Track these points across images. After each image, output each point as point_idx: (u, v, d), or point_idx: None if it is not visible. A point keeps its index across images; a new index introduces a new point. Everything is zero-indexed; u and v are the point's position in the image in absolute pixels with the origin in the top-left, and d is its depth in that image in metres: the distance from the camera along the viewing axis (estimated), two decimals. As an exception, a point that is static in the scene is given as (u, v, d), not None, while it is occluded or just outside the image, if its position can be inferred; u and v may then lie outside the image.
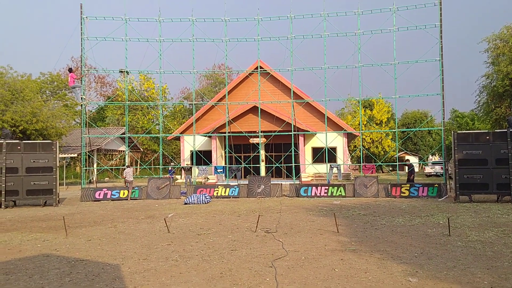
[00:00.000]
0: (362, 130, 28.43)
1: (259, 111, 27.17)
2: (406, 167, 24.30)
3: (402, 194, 20.42)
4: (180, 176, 35.04)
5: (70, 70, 23.03)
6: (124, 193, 21.92)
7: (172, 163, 31.98)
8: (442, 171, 35.75)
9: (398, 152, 51.92)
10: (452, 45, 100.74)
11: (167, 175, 29.21)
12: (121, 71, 25.87)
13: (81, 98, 23.34)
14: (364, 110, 53.97)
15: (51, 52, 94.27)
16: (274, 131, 27.84)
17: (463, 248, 8.68)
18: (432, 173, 40.91)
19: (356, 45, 23.53)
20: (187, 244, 9.63)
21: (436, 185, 20.45)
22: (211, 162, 32.12)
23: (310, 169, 32.90)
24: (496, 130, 18.73)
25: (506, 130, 17.69)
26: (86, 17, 23.33)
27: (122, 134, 37.97)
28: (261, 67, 30.52)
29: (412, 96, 23.82)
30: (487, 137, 17.71)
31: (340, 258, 8.06)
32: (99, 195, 21.78)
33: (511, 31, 28.06)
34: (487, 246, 8.83)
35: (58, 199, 19.53)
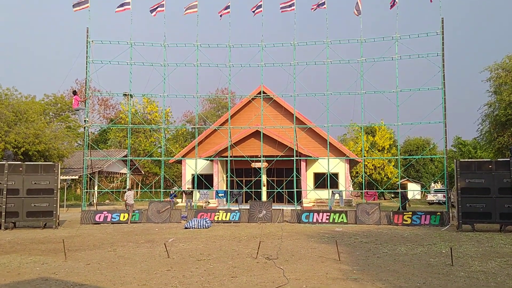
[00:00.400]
0: (364, 156, 28.39)
1: (262, 136, 27.22)
2: (399, 195, 24.34)
3: (404, 222, 20.26)
4: (181, 199, 34.89)
5: (75, 93, 23.20)
6: (124, 216, 21.81)
7: (174, 187, 31.86)
8: (444, 199, 35.53)
9: (401, 179, 51.72)
10: (454, 72, 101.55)
11: (168, 199, 29.08)
12: (125, 94, 26.05)
13: (84, 120, 23.45)
14: (366, 136, 54.01)
15: (56, 74, 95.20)
16: (276, 156, 27.83)
17: (466, 279, 8.57)
18: (434, 201, 40.63)
19: (358, 72, 23.74)
20: (187, 270, 9.54)
21: (439, 213, 20.31)
22: (212, 186, 32.01)
23: (311, 195, 32.74)
24: (498, 159, 18.73)
25: (508, 159, 17.66)
26: (92, 41, 23.61)
27: (124, 156, 37.99)
28: (264, 92, 30.69)
29: (414, 124, 23.87)
30: (490, 166, 17.67)
31: (342, 287, 7.96)
32: (99, 218, 21.67)
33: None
34: (490, 277, 8.73)
35: (58, 221, 19.44)
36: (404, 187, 53.93)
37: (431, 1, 22.09)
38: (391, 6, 23.05)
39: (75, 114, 48.01)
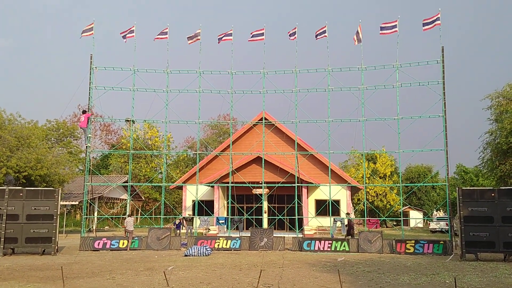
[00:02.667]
0: (365, 183, 28.28)
1: (263, 162, 27.17)
2: (346, 221, 23.61)
3: (407, 251, 20.03)
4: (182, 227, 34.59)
5: (84, 112, 23.19)
6: (123, 243, 21.59)
7: (179, 216, 31.47)
8: (447, 227, 35.23)
9: (403, 206, 51.39)
10: (455, 100, 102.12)
11: (173, 227, 28.65)
12: (127, 120, 26.15)
13: (86, 146, 23.50)
14: (368, 163, 53.92)
15: (58, 99, 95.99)
16: (278, 182, 27.72)
17: (472, 311, 8.40)
18: (437, 229, 40.30)
19: (359, 99, 23.84)
20: (186, 299, 9.37)
21: (442, 242, 20.10)
22: (213, 213, 31.80)
23: (313, 222, 32.49)
24: (501, 187, 18.60)
25: (511, 187, 17.55)
26: (96, 67, 23.84)
27: (124, 182, 37.88)
28: (265, 119, 30.78)
29: (416, 151, 23.87)
30: (493, 194, 17.57)
31: (344, 318, 7.80)
32: (98, 245, 21.45)
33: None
34: (496, 309, 8.55)
35: (57, 247, 19.25)
36: (406, 215, 53.55)
37: (432, 27, 22.28)
38: (387, 31, 23.17)
39: (78, 139, 48.18)
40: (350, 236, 22.51)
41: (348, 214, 23.42)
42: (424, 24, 22.43)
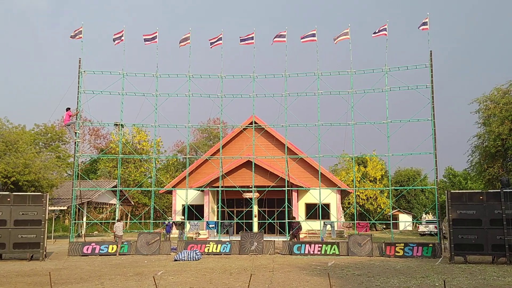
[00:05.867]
0: (355, 187, 28.37)
1: (253, 166, 27.15)
2: (293, 225, 23.53)
3: (396, 254, 20.11)
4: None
5: (68, 109, 22.77)
6: (112, 248, 21.42)
7: (169, 218, 31.22)
8: (436, 230, 35.44)
9: (392, 210, 51.64)
10: (444, 104, 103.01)
11: (162, 231, 28.52)
12: (116, 124, 25.94)
13: (75, 133, 23.05)
14: (358, 167, 54.08)
15: (46, 103, 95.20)
16: (268, 186, 27.71)
17: (461, 313, 8.44)
18: (426, 232, 40.53)
19: (349, 103, 23.93)
20: (176, 304, 9.31)
21: (431, 244, 20.21)
22: (203, 217, 31.69)
23: (303, 226, 32.51)
24: (489, 190, 18.75)
25: (499, 190, 17.71)
26: (84, 71, 23.68)
27: (113, 187, 37.60)
28: (255, 123, 30.80)
29: (405, 154, 24.00)
30: (481, 197, 17.70)
31: (334, 322, 7.79)
32: (87, 250, 21.25)
33: (502, 92, 28.71)
34: (485, 311, 8.60)
35: (45, 253, 19.05)
36: (395, 218, 53.80)
37: (419, 27, 22.46)
38: (375, 35, 23.34)
39: (66, 143, 47.76)
40: (295, 238, 22.56)
41: (294, 217, 23.25)
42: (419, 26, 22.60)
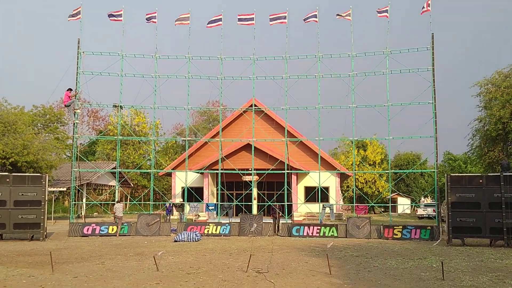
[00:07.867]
0: (355, 170, 28.40)
1: (253, 149, 27.14)
2: (277, 210, 23.41)
3: (394, 236, 20.24)
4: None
5: (70, 90, 22.54)
6: (113, 228, 21.53)
7: (170, 200, 31.28)
8: (434, 213, 35.61)
9: (391, 193, 51.84)
10: (445, 87, 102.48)
11: (163, 213, 28.64)
12: (115, 106, 25.83)
13: (74, 113, 22.94)
14: (358, 151, 54.11)
15: (45, 84, 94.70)
16: (267, 169, 27.73)
17: (459, 293, 8.51)
18: (424, 215, 40.74)
19: (349, 86, 23.82)
20: (176, 284, 9.38)
21: (429, 227, 20.32)
22: (202, 199, 31.79)
23: (302, 208, 32.65)
24: (489, 174, 18.75)
25: (499, 174, 17.73)
26: (83, 52, 23.51)
27: (113, 169, 37.66)
28: (255, 105, 30.67)
29: (405, 138, 23.91)
30: (480, 181, 17.73)
31: (334, 301, 7.85)
32: (87, 231, 21.36)
33: (503, 76, 28.59)
34: (482, 292, 8.67)
35: (45, 233, 19.14)
36: (394, 201, 54.01)
37: (422, 13, 22.33)
38: (379, 14, 23.14)
39: (65, 125, 47.69)
40: (276, 220, 22.83)
41: (276, 205, 23.38)
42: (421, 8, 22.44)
